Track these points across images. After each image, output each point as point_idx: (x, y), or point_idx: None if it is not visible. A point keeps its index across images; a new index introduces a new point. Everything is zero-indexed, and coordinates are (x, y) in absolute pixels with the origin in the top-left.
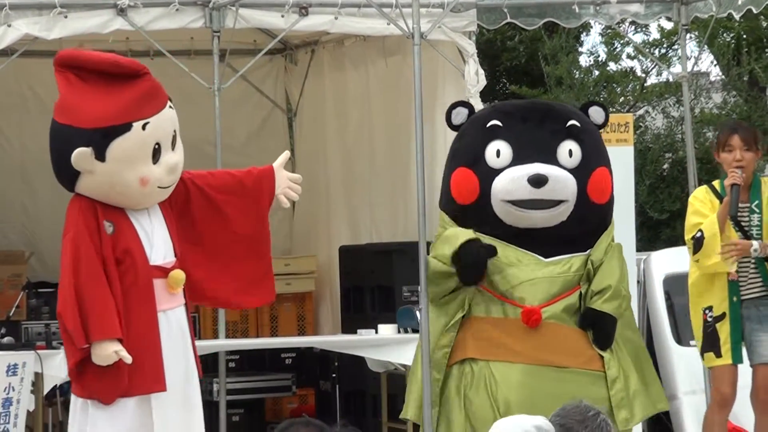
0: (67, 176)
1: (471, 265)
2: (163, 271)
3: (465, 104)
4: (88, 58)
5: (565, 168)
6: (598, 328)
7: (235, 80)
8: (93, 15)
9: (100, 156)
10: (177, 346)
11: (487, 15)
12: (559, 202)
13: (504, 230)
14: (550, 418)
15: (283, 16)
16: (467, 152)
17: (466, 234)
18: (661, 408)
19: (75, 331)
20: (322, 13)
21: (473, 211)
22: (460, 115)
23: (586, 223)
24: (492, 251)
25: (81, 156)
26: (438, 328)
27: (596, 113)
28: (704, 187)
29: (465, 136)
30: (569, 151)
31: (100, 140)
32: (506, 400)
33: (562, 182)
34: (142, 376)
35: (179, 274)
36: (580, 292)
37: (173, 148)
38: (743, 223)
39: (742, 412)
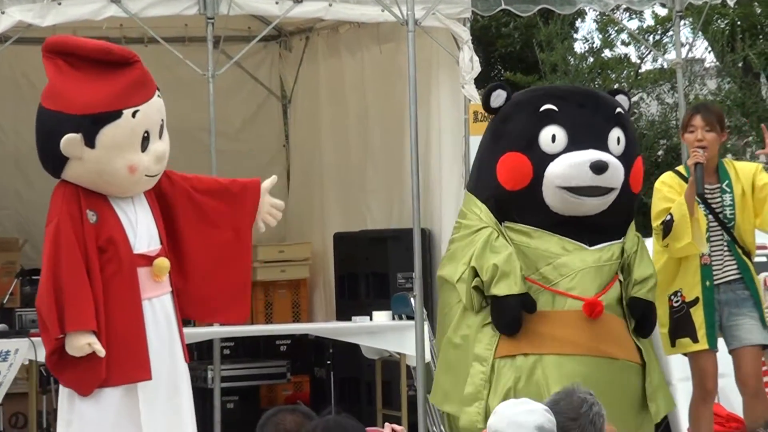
0: (54, 163)
1: (508, 323)
2: (148, 260)
3: (503, 86)
4: (78, 45)
5: (614, 155)
6: (645, 317)
7: (230, 67)
8: (87, 2)
9: (90, 142)
10: (163, 334)
11: (482, 1)
12: (610, 190)
13: (548, 218)
14: (545, 405)
15: (277, 3)
16: (519, 136)
17: (507, 283)
18: (674, 406)
19: (50, 321)
20: None
21: (521, 198)
22: (499, 98)
23: (623, 212)
24: (532, 308)
25: (70, 142)
26: (477, 321)
27: (623, 101)
28: (670, 173)
29: (512, 119)
30: (617, 138)
31: (90, 126)
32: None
33: (618, 170)
34: (127, 365)
35: (163, 262)
36: (619, 281)
37: (160, 137)
38: (714, 205)
39: (737, 399)
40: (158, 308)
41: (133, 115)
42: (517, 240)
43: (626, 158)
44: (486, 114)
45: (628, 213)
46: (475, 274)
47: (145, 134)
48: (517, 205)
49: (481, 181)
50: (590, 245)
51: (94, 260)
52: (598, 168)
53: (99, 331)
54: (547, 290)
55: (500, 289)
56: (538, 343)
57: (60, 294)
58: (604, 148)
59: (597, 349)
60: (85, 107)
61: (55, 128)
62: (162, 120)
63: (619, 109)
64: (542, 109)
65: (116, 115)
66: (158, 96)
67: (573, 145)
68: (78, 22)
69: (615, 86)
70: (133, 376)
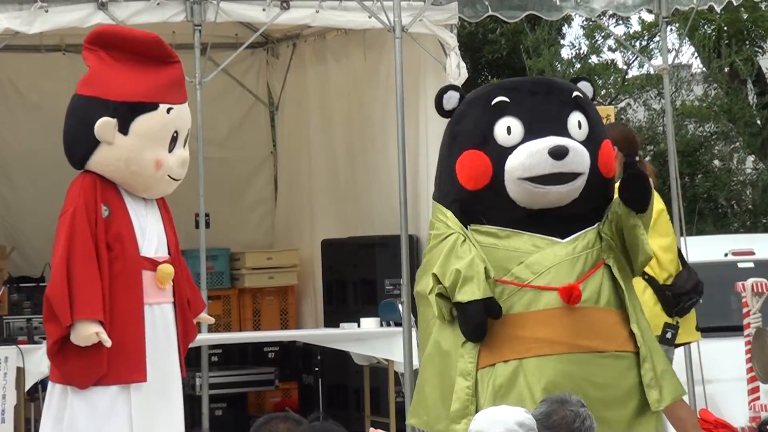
0: (83, 149)
1: (473, 330)
2: (153, 264)
3: (455, 87)
4: (127, 36)
5: (576, 140)
6: (638, 186)
7: (217, 74)
8: (74, 9)
9: (124, 129)
10: (160, 342)
11: (469, 8)
12: (577, 175)
13: (517, 214)
14: (536, 418)
15: (264, 10)
16: (473, 133)
17: (470, 288)
18: (683, 393)
19: (62, 308)
20: (304, 6)
21: (484, 196)
22: (452, 99)
23: (596, 199)
24: (497, 313)
25: (105, 125)
26: (456, 334)
27: (586, 88)
28: None
29: (465, 117)
30: (578, 122)
31: (127, 113)
32: (547, 394)
33: (580, 154)
34: (123, 365)
35: (167, 268)
36: (606, 265)
37: (184, 145)
38: None
39: (725, 405)
40: (158, 315)
41: (168, 111)
42: (485, 242)
43: (591, 142)
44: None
45: (603, 199)
46: (439, 281)
47: (175, 134)
48: (483, 205)
49: (444, 187)
50: (563, 238)
51: (103, 255)
52: (558, 154)
53: (105, 324)
54: (522, 288)
55: (463, 295)
56: (517, 347)
57: (72, 281)
58: (565, 133)
59: (578, 345)
60: (124, 95)
61: (90, 112)
62: (188, 128)
63: (576, 93)
64: (494, 102)
65: (153, 106)
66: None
67: (530, 135)
68: (65, 29)
69: (602, 92)
70: (128, 377)
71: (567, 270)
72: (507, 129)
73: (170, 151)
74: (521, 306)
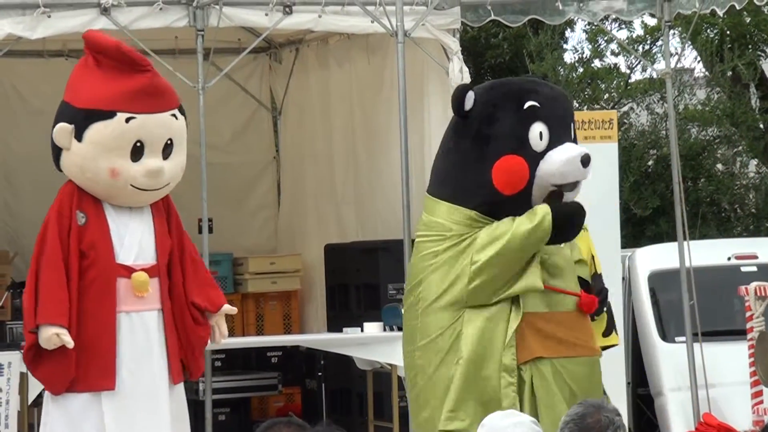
0: (54, 154)
1: (570, 224)
2: (130, 272)
3: (470, 87)
4: (98, 42)
5: None
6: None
7: (220, 79)
8: (76, 14)
9: (78, 136)
10: (139, 350)
11: (471, 12)
12: (580, 182)
13: None
14: (570, 418)
15: (267, 15)
16: (510, 137)
17: (541, 207)
18: None
19: (27, 314)
20: (306, 11)
21: (514, 202)
22: (470, 100)
23: None
24: (578, 210)
25: (61, 131)
26: (495, 331)
27: None
28: None
29: (498, 120)
30: (575, 130)
31: (82, 120)
32: (570, 395)
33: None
34: (93, 372)
35: (140, 276)
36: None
37: (165, 156)
38: None
39: (728, 409)
40: (137, 323)
41: (127, 120)
42: None
43: None
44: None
45: None
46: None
47: (138, 144)
48: (509, 210)
49: (466, 188)
50: (556, 243)
51: (74, 263)
52: (586, 162)
53: (70, 331)
54: (545, 289)
55: (541, 211)
56: (548, 346)
57: (38, 288)
58: (573, 140)
59: (590, 349)
60: (84, 101)
61: (58, 118)
62: (170, 140)
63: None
64: (526, 106)
65: (109, 114)
66: (174, 116)
67: (555, 141)
68: (68, 34)
69: (605, 96)
70: (95, 384)
71: (571, 274)
72: (539, 135)
73: (136, 160)
74: (544, 306)
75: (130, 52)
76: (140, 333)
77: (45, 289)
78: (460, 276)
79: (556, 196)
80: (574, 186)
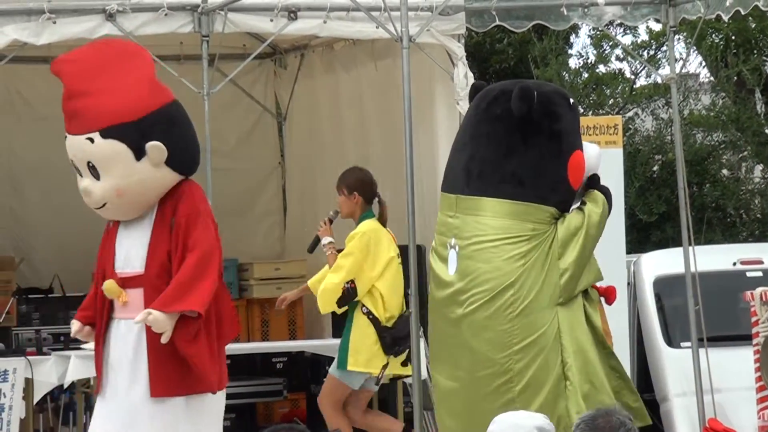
0: None
1: (611, 201)
2: (118, 281)
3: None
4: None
5: None
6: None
7: (225, 85)
8: (82, 20)
9: None
10: (123, 357)
11: (476, 18)
12: None
13: None
14: (582, 420)
15: (272, 20)
16: (574, 133)
17: (598, 194)
18: None
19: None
20: (311, 17)
21: (575, 196)
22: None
23: None
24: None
25: None
26: (583, 322)
27: None
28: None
29: (561, 116)
30: None
31: None
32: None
33: None
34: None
35: (108, 284)
36: None
37: (96, 177)
38: None
39: (734, 414)
40: (123, 330)
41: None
42: None
43: None
44: None
45: None
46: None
47: (72, 163)
48: (571, 204)
49: (547, 186)
50: None
51: (98, 268)
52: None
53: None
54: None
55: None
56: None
57: None
58: None
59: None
60: None
61: None
62: (89, 162)
63: None
64: (572, 102)
65: None
66: (90, 139)
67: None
68: (73, 40)
69: (610, 102)
70: (97, 387)
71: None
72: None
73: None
74: (583, 298)
75: (58, 73)
76: (129, 340)
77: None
78: (552, 275)
79: (591, 179)
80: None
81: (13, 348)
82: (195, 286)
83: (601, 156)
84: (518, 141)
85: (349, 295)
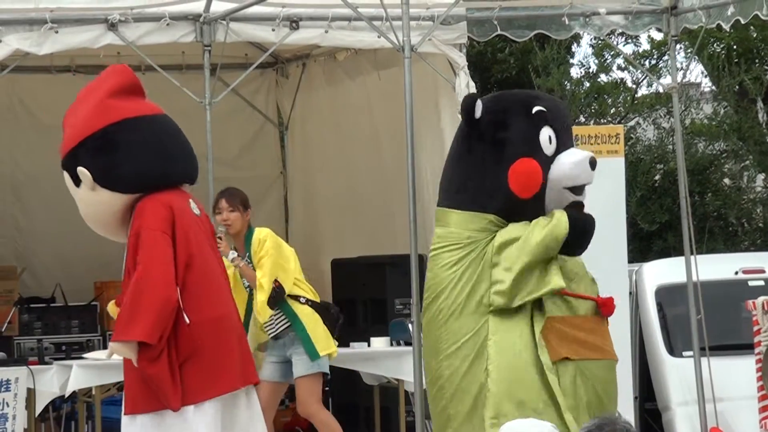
0: None
1: (584, 232)
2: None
3: (476, 95)
4: None
5: None
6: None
7: (227, 94)
8: (84, 30)
9: None
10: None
11: (478, 27)
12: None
13: None
14: (586, 428)
15: (273, 30)
16: (523, 141)
17: (558, 211)
18: None
19: None
20: (313, 26)
21: (531, 206)
22: (479, 107)
23: None
24: (588, 222)
25: None
26: (522, 334)
27: None
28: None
29: (510, 125)
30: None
31: None
32: (595, 397)
33: None
34: None
35: (109, 305)
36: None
37: None
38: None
39: (734, 423)
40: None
41: None
42: None
43: None
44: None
45: None
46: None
47: None
48: (526, 215)
49: (484, 193)
50: None
51: None
52: (594, 164)
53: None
54: (561, 295)
55: (560, 224)
56: (574, 348)
57: None
58: (574, 146)
59: (610, 352)
60: None
61: None
62: None
63: None
64: (534, 110)
65: None
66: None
67: (561, 146)
68: (75, 50)
69: (611, 111)
70: None
71: (586, 279)
72: (549, 138)
73: None
74: (565, 309)
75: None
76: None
77: None
78: (481, 281)
79: (575, 206)
80: (582, 190)
81: (15, 357)
82: (136, 313)
83: (588, 164)
84: (465, 150)
85: (278, 294)
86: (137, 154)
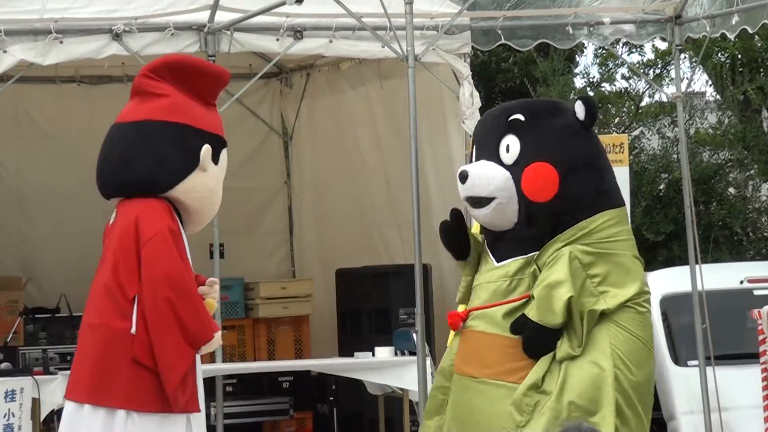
0: (177, 173)
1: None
2: None
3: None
4: (202, 70)
5: (504, 164)
6: (524, 335)
7: (231, 104)
8: (88, 40)
9: (215, 158)
10: None
11: (481, 37)
12: (489, 200)
13: (487, 236)
14: None
15: (278, 40)
16: (478, 146)
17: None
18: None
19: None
20: (317, 36)
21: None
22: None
23: (534, 224)
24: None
25: (207, 152)
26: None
27: (577, 107)
28: None
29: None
30: (507, 146)
31: (217, 145)
32: (450, 414)
33: (483, 179)
34: None
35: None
36: (532, 296)
37: None
38: None
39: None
40: None
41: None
42: None
43: (516, 166)
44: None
45: (545, 225)
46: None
47: None
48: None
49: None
50: (498, 261)
51: None
52: (461, 178)
53: None
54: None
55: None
56: (458, 360)
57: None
58: (495, 157)
59: (460, 368)
60: (213, 127)
61: (183, 137)
62: None
63: (516, 116)
64: (512, 119)
65: (226, 143)
66: None
67: (475, 159)
68: (79, 60)
69: (615, 120)
70: None
71: (483, 294)
72: (465, 156)
73: None
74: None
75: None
76: None
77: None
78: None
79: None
80: (471, 203)
81: (20, 367)
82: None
83: (487, 177)
84: (600, 152)
85: None
86: (102, 159)
